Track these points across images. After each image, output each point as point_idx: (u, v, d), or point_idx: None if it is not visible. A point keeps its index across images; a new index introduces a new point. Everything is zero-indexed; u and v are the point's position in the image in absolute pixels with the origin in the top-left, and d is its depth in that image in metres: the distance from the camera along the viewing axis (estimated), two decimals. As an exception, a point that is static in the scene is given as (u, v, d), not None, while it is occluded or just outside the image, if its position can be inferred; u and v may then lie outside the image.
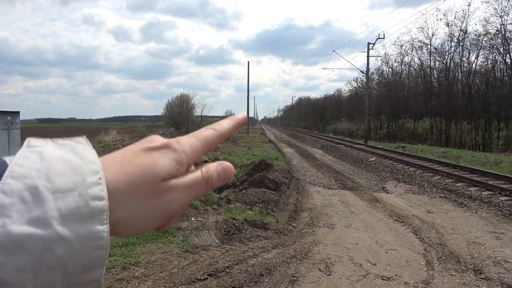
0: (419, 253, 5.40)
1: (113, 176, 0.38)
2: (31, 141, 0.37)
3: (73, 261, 0.33)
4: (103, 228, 0.34)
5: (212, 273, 4.35)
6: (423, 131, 34.91)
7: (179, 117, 46.48)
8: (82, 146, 0.38)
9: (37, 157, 0.35)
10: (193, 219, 6.46)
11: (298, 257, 5.02)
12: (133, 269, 4.44)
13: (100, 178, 0.36)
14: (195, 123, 48.95)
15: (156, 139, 0.43)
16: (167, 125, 48.41)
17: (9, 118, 12.59)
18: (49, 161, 0.35)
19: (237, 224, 5.77)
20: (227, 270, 4.46)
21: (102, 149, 19.35)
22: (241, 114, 0.51)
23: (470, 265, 4.98)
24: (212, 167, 0.45)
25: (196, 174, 0.43)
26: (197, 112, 49.59)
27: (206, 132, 0.46)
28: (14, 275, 0.31)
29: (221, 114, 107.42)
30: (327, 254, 5.26)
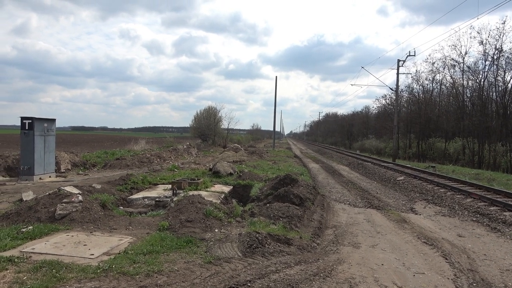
0: (448, 279, 5.18)
1: None
2: None
3: None
4: None
5: (233, 286, 4.33)
6: (454, 152, 33.77)
7: (206, 129, 46.95)
8: None
9: None
10: (216, 230, 6.48)
11: (321, 275, 4.93)
12: (156, 277, 4.47)
13: None
14: (221, 136, 49.37)
15: None
16: (194, 136, 49.03)
17: (45, 125, 13.14)
18: None
19: (260, 238, 5.74)
20: (249, 284, 4.42)
21: (131, 157, 19.81)
22: None
23: (504, 294, 4.72)
24: None
25: None
26: (224, 125, 50.00)
27: None
28: None
29: (248, 127, 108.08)
30: (351, 273, 5.13)
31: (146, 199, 9.82)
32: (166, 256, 5.24)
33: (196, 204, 7.06)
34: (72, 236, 5.94)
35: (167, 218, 6.86)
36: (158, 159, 21.10)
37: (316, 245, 6.54)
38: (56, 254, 5.04)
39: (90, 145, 41.75)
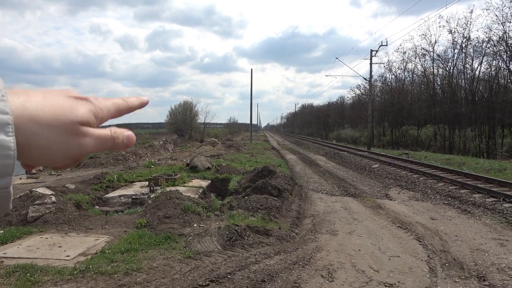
0: (422, 260, 5.36)
1: (35, 105, 0.43)
2: None
3: None
4: (9, 139, 0.39)
5: (214, 279, 4.34)
6: (426, 138, 34.75)
7: (182, 124, 46.49)
8: None
9: None
10: (195, 225, 6.46)
11: (301, 263, 5.01)
12: (135, 275, 4.43)
13: (3, 96, 0.40)
14: (198, 130, 49.00)
15: (74, 92, 0.49)
16: (170, 132, 48.48)
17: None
18: None
19: (239, 230, 5.76)
20: (229, 277, 4.45)
21: (106, 156, 19.40)
22: (145, 98, 0.58)
23: (474, 272, 4.94)
24: (119, 131, 0.52)
25: (106, 130, 0.50)
26: (200, 119, 49.65)
27: (119, 100, 0.54)
28: None
29: (225, 121, 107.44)
30: (329, 260, 5.24)
31: (123, 197, 9.68)
32: (144, 253, 5.19)
33: (173, 200, 7.01)
34: (46, 238, 5.80)
35: (144, 215, 6.79)
36: (134, 156, 20.77)
37: (295, 234, 6.63)
38: (30, 258, 4.90)
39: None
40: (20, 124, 0.42)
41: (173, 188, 9.87)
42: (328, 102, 78.72)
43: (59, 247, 5.39)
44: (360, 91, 48.55)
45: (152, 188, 9.97)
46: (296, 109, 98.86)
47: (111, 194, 9.94)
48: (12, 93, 0.43)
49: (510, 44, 24.84)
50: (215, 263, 4.84)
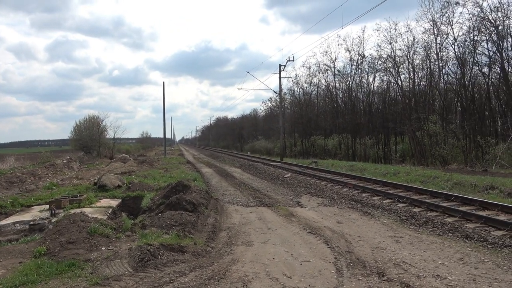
0: (330, 262, 5.72)
1: None
2: None
3: None
4: None
5: (124, 304, 4.10)
6: (332, 147, 37.39)
7: (89, 140, 43.31)
8: None
9: None
10: (103, 248, 6.04)
11: (216, 277, 4.98)
12: (32, 310, 3.98)
13: None
14: (107, 147, 46.10)
15: None
16: (75, 149, 44.85)
17: None
18: None
19: (152, 250, 5.54)
20: (141, 300, 4.24)
21: (-3, 179, 17.17)
22: None
23: (374, 268, 5.41)
24: None
25: None
26: (110, 134, 46.80)
27: None
28: None
29: (137, 135, 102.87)
30: (244, 272, 5.30)
31: (18, 224, 8.64)
32: (44, 285, 4.70)
33: (78, 223, 6.47)
34: None
35: (44, 242, 6.15)
36: (32, 178, 18.74)
37: (210, 249, 6.59)
38: None
39: None
40: None
41: (78, 210, 9.12)
42: (242, 115, 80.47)
43: None
44: (272, 103, 50.53)
45: (53, 211, 9.08)
46: (211, 122, 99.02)
47: (3, 222, 8.81)
48: None
49: (397, 61, 28.11)
50: (126, 286, 4.57)
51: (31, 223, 8.36)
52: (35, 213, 9.50)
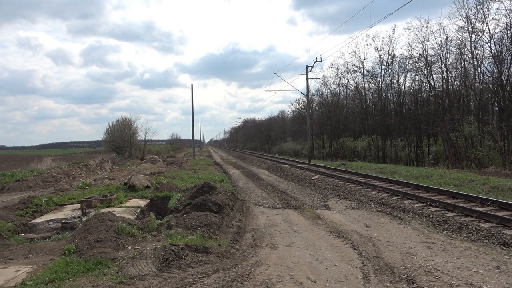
0: (357, 267, 5.55)
1: None
2: None
3: None
4: None
5: (147, 304, 4.12)
6: (362, 149, 36.63)
7: (121, 141, 44.53)
8: None
9: None
10: (130, 248, 6.13)
11: (239, 280, 4.93)
12: (60, 307, 4.08)
13: None
14: (139, 148, 47.27)
15: None
16: (108, 150, 46.24)
17: None
18: None
19: (176, 250, 5.56)
20: (164, 300, 4.25)
21: (35, 178, 17.93)
22: None
23: (404, 275, 5.19)
24: None
25: None
26: (141, 136, 47.94)
27: None
28: None
29: (167, 137, 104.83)
30: (268, 275, 5.22)
31: (52, 222, 8.96)
32: (72, 282, 4.80)
33: (106, 222, 6.61)
34: (-44, 273, 5.16)
35: (73, 240, 6.32)
36: (66, 178, 19.45)
37: (235, 250, 6.55)
38: None
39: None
40: None
41: (108, 210, 9.35)
42: (270, 117, 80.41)
43: (-29, 283, 4.82)
44: (300, 105, 50.15)
45: (84, 210, 9.35)
46: (239, 123, 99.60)
47: (38, 220, 9.17)
48: None
49: (429, 60, 27.18)
50: (150, 286, 4.60)
51: (63, 221, 8.64)
52: (67, 212, 9.83)
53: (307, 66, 30.92)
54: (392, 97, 34.72)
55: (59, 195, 12.94)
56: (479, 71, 24.90)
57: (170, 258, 5.35)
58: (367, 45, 53.75)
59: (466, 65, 25.33)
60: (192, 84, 40.58)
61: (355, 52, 38.25)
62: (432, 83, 28.13)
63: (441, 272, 5.29)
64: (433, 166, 23.92)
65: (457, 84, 26.90)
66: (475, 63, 24.54)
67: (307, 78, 31.24)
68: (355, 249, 6.50)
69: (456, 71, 26.55)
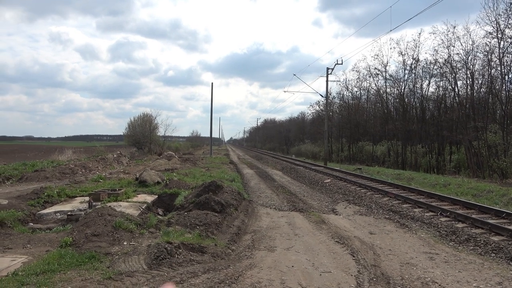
0: (351, 275, 5.38)
1: None
2: None
3: None
4: None
5: (130, 301, 4.11)
6: (381, 154, 35.92)
7: (141, 136, 45.33)
8: None
9: None
10: (125, 243, 6.16)
11: (227, 282, 4.86)
12: (44, 299, 4.11)
13: None
14: (158, 143, 47.98)
15: None
16: (129, 145, 47.11)
17: None
18: None
19: (169, 248, 5.54)
20: (148, 298, 4.23)
21: (53, 169, 18.40)
22: None
23: (399, 286, 5.00)
24: None
25: None
26: (161, 132, 48.66)
27: None
28: None
29: (187, 134, 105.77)
30: (259, 278, 5.13)
31: (59, 214, 9.15)
32: (62, 275, 4.85)
33: (105, 217, 6.67)
34: (-45, 259, 5.30)
35: (72, 233, 6.40)
36: (83, 170, 19.88)
37: (231, 251, 6.49)
38: None
39: (10, 156, 38.14)
40: None
41: (114, 204, 9.47)
42: (290, 118, 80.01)
43: (-33, 269, 4.93)
44: (320, 107, 49.65)
45: (91, 203, 9.50)
46: (259, 123, 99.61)
47: (46, 210, 9.38)
48: None
49: (454, 66, 26.37)
50: (136, 283, 4.59)
51: (69, 213, 8.80)
52: (75, 204, 10.01)
53: (327, 68, 30.59)
54: (414, 102, 33.89)
55: (72, 187, 13.21)
56: (507, 79, 23.99)
57: (162, 256, 5.33)
58: (390, 48, 52.62)
59: (493, 72, 24.45)
60: (212, 83, 41.01)
61: (377, 56, 37.52)
62: (457, 90, 27.30)
63: (439, 285, 5.07)
64: (454, 175, 23.19)
65: (483, 91, 26.01)
66: (503, 70, 23.64)
67: (327, 80, 30.90)
68: (353, 256, 6.32)
69: (482, 78, 25.67)
